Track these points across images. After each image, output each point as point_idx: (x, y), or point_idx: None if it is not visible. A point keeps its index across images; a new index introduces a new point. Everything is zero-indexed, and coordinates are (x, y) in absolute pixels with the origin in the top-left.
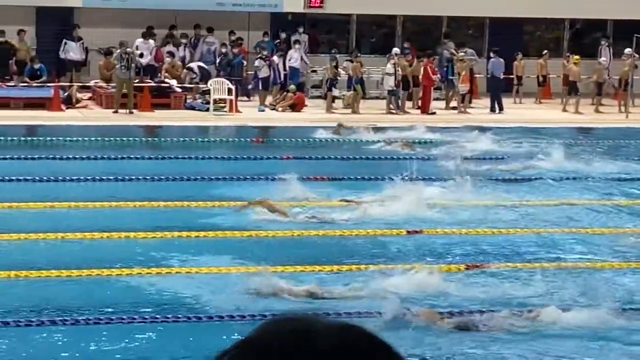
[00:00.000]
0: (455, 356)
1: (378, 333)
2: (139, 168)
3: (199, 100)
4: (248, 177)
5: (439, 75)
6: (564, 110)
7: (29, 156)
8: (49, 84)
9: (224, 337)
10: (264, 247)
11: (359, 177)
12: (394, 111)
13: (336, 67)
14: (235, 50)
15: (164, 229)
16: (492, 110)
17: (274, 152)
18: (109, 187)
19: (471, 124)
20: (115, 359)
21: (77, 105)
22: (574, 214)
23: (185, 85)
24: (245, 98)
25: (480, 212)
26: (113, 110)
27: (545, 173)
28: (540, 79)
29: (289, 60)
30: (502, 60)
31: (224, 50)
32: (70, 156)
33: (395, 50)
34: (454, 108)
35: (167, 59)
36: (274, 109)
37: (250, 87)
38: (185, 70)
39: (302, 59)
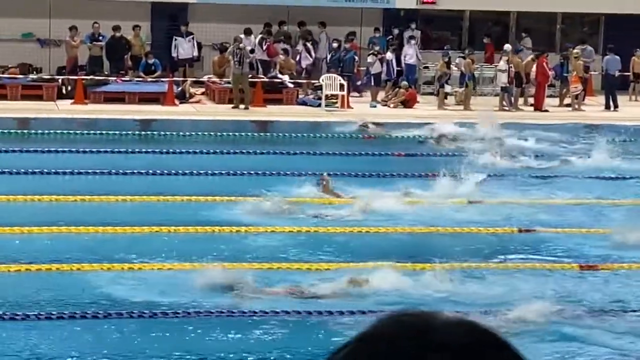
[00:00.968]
0: None
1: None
2: (249, 162)
3: (311, 96)
4: (358, 174)
5: (553, 72)
6: None
7: (143, 150)
8: (162, 79)
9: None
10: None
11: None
12: (506, 108)
13: (448, 63)
14: (347, 46)
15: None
16: (607, 107)
17: (384, 148)
18: (221, 181)
19: (583, 122)
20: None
21: (190, 100)
22: None
23: (298, 81)
24: (356, 94)
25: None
26: (232, 105)
27: None
28: None
29: (405, 57)
30: (617, 57)
31: (335, 45)
32: (184, 150)
33: (508, 46)
34: (568, 105)
35: (281, 55)
36: (385, 105)
37: (360, 82)
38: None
39: (416, 55)
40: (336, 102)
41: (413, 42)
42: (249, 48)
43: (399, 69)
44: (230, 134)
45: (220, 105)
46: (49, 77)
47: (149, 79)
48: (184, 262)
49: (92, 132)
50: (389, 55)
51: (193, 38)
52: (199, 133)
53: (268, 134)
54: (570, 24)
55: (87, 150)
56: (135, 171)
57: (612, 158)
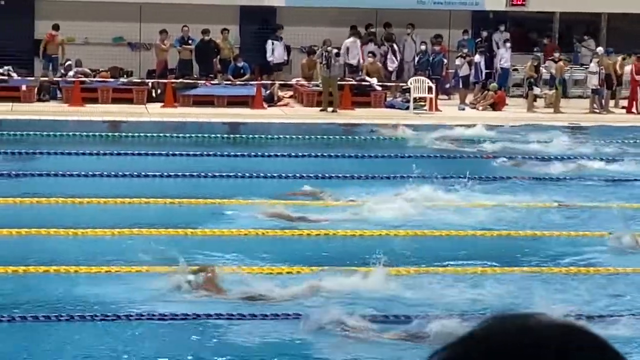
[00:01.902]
0: None
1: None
2: (339, 166)
3: (399, 99)
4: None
5: None
6: None
7: (232, 153)
8: (251, 82)
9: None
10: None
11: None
12: (597, 110)
13: (537, 66)
14: (436, 49)
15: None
16: None
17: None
18: (309, 184)
19: None
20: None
21: (278, 104)
22: None
23: (386, 83)
24: (444, 96)
25: None
26: (321, 108)
27: None
28: None
29: (500, 60)
30: None
31: (423, 47)
32: (272, 153)
33: (599, 49)
34: None
35: (369, 59)
36: (474, 108)
37: (448, 85)
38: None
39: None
40: (424, 105)
41: (508, 44)
42: (335, 51)
43: (487, 71)
44: (319, 137)
45: (308, 108)
46: (139, 80)
47: (238, 82)
48: (279, 265)
49: (181, 135)
50: (478, 57)
51: (283, 41)
52: (287, 136)
53: (356, 137)
54: None
55: (177, 153)
56: (223, 174)
57: None
